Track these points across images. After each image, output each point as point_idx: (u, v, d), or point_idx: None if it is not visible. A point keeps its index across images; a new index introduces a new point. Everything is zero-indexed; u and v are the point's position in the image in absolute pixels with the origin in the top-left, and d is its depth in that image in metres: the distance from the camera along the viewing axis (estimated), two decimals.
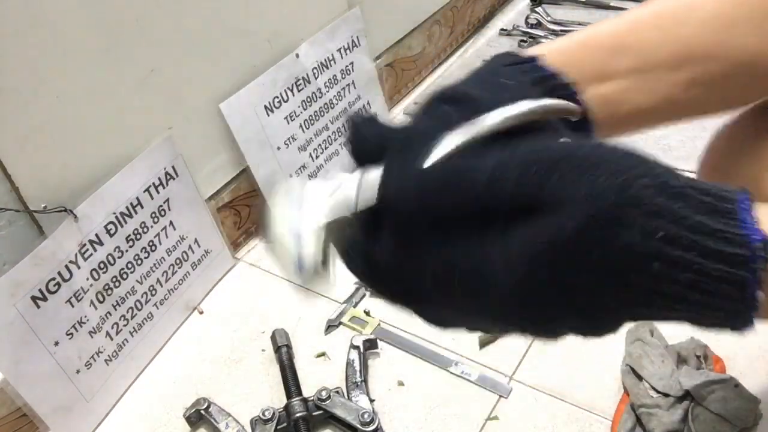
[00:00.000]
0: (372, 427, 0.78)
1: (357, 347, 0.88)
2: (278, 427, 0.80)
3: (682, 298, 0.29)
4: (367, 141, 0.39)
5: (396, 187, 0.33)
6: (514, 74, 0.41)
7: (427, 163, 0.32)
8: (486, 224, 0.31)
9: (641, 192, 0.29)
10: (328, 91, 1.16)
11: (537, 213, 0.30)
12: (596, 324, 0.34)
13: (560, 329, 0.35)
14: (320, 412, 0.81)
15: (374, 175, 0.34)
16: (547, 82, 0.41)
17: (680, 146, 1.18)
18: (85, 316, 0.84)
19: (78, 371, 0.83)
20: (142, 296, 0.92)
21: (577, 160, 0.30)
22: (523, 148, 0.31)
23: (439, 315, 0.36)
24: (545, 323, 0.34)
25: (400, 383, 0.87)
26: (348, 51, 1.19)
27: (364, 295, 0.99)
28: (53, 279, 0.78)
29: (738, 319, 0.30)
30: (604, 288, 0.30)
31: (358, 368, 0.86)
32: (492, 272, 0.31)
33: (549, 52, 0.43)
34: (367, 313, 0.96)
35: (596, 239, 0.29)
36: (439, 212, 0.31)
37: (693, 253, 0.28)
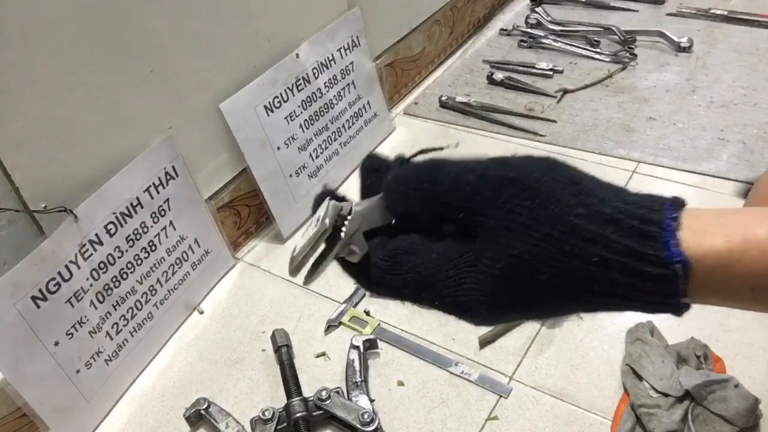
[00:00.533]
0: (372, 427, 0.78)
1: (357, 347, 0.88)
2: (278, 427, 0.80)
3: (621, 304, 0.35)
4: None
5: (395, 175, 0.40)
6: None
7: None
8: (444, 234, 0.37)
9: (576, 221, 0.33)
10: (328, 91, 1.16)
11: (486, 229, 0.35)
12: (552, 316, 0.40)
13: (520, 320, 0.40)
14: (320, 412, 0.81)
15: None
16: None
17: (680, 146, 1.18)
18: (85, 316, 0.84)
19: (78, 371, 0.83)
20: (142, 296, 0.92)
21: (522, 186, 0.35)
22: (485, 163, 0.36)
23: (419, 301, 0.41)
24: (508, 318, 0.39)
25: (400, 383, 0.87)
26: (348, 51, 1.19)
27: (364, 295, 0.99)
28: (53, 279, 0.78)
29: (673, 312, 0.35)
30: (553, 302, 0.36)
31: (358, 368, 0.86)
32: (463, 289, 0.37)
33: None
34: (367, 313, 0.96)
35: (540, 263, 0.34)
36: (418, 203, 0.38)
37: (625, 274, 0.33)
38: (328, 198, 0.40)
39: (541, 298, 0.36)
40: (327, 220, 0.38)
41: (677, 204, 0.35)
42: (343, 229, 0.38)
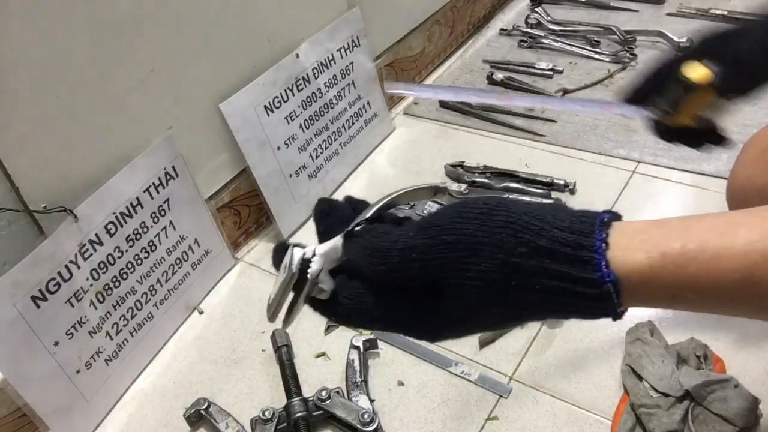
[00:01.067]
0: (372, 427, 0.78)
1: (357, 347, 0.88)
2: (278, 427, 0.80)
3: (566, 316, 0.39)
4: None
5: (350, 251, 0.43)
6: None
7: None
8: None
9: (517, 260, 0.37)
10: (328, 91, 1.16)
11: (441, 288, 0.39)
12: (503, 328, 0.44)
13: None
14: (320, 412, 0.81)
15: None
16: None
17: (680, 146, 1.18)
18: (85, 316, 0.84)
19: (78, 371, 0.83)
20: (142, 296, 0.92)
21: (463, 247, 0.38)
22: (421, 233, 0.40)
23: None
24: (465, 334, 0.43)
25: (400, 383, 0.87)
26: (348, 51, 1.19)
27: None
28: (53, 279, 0.78)
29: (612, 318, 0.38)
30: (508, 323, 0.41)
31: (358, 368, 0.86)
32: (424, 329, 0.42)
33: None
34: None
35: (491, 303, 0.39)
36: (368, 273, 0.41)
37: (565, 296, 0.37)
38: (291, 246, 0.43)
39: (493, 321, 0.40)
40: (293, 267, 0.42)
41: (607, 222, 0.38)
42: (309, 271, 0.41)
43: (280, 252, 0.45)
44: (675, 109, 0.57)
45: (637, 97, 0.59)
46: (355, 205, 0.47)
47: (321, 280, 0.42)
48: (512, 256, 0.38)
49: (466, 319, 0.40)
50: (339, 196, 1.19)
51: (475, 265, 0.38)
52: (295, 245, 0.44)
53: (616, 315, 0.38)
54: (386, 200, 0.45)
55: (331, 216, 0.47)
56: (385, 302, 0.41)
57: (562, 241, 0.37)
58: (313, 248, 0.43)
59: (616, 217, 0.39)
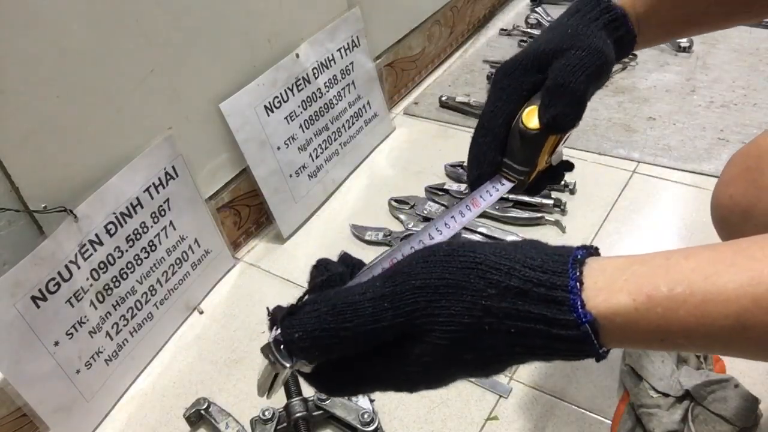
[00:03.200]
0: (372, 427, 0.78)
1: None
2: (278, 427, 0.80)
3: (546, 359, 0.38)
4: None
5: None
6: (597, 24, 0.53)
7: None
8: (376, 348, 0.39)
9: (487, 303, 0.36)
10: (328, 91, 1.16)
11: (413, 338, 0.38)
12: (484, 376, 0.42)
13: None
14: (320, 412, 0.81)
15: None
16: (612, 16, 0.53)
17: (680, 146, 1.18)
18: (85, 316, 0.84)
19: (78, 371, 0.83)
20: (142, 296, 0.92)
21: (432, 291, 0.37)
22: (390, 281, 0.38)
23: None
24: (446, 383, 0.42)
25: None
26: (348, 51, 1.19)
27: None
28: (53, 279, 0.78)
29: (594, 359, 0.37)
30: (486, 369, 0.39)
31: None
32: (400, 381, 0.41)
33: None
34: None
35: (464, 348, 0.37)
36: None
37: (542, 338, 0.36)
38: (271, 334, 0.41)
39: (469, 368, 0.39)
40: (276, 365, 0.40)
41: (581, 259, 0.37)
42: (284, 375, 0.41)
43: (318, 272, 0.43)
44: (532, 166, 0.52)
45: (489, 172, 0.53)
46: (351, 265, 0.44)
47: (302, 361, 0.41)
48: (481, 298, 0.36)
49: (440, 368, 0.39)
50: (339, 195, 1.20)
51: (446, 309, 0.37)
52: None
53: (599, 356, 0.36)
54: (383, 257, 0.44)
55: (324, 282, 0.43)
56: (359, 370, 0.40)
57: (534, 281, 0.36)
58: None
59: (593, 251, 0.38)
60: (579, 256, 0.37)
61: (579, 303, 0.35)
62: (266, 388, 0.42)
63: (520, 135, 0.51)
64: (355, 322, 0.38)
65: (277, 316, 0.40)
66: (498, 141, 0.52)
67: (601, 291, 0.35)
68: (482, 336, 0.37)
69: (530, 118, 0.51)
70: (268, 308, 0.42)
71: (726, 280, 0.34)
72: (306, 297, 0.40)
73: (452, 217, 0.48)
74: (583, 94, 0.50)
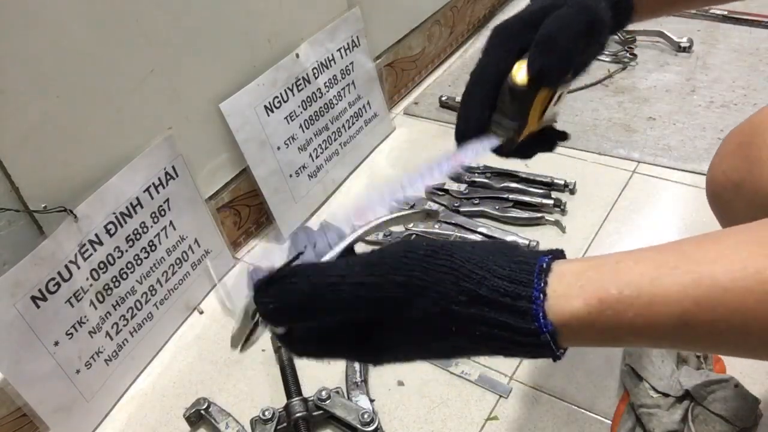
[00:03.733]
0: (372, 427, 0.78)
1: None
2: (278, 427, 0.80)
3: (510, 356, 0.40)
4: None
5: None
6: None
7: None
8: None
9: (458, 309, 0.38)
10: (328, 91, 1.16)
11: (382, 322, 0.40)
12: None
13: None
14: (320, 412, 0.81)
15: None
16: None
17: (680, 146, 1.18)
18: (85, 316, 0.84)
19: (78, 371, 0.83)
20: (142, 296, 0.92)
21: (409, 289, 0.39)
22: (368, 270, 0.40)
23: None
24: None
25: (400, 383, 0.87)
26: (348, 51, 1.19)
27: None
28: (53, 279, 0.78)
29: (553, 359, 0.39)
30: (449, 356, 0.43)
31: (358, 368, 0.86)
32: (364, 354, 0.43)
33: None
34: None
35: (429, 343, 0.40)
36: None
37: (504, 343, 0.38)
38: (251, 294, 0.42)
39: (433, 353, 0.42)
40: (249, 316, 0.42)
41: (546, 267, 0.38)
42: (257, 332, 0.42)
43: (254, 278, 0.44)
44: (522, 122, 0.52)
45: (476, 127, 0.53)
46: (330, 232, 0.45)
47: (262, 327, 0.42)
48: (453, 303, 0.38)
49: (404, 353, 0.42)
50: (339, 195, 1.20)
51: (420, 306, 0.39)
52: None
53: (556, 357, 0.39)
54: (364, 230, 0.45)
55: (305, 249, 0.45)
56: (328, 339, 0.42)
57: (501, 291, 0.38)
58: None
59: (558, 254, 0.40)
60: (544, 265, 0.39)
61: (541, 314, 0.37)
62: (240, 341, 0.43)
63: (509, 90, 0.51)
64: (330, 305, 0.39)
65: (255, 282, 0.41)
66: (487, 97, 0.52)
67: (560, 298, 0.38)
68: (449, 335, 0.39)
69: (519, 72, 0.50)
70: (248, 266, 0.43)
71: (670, 283, 0.36)
72: (285, 266, 0.41)
73: (431, 169, 0.49)
74: (569, 46, 0.50)
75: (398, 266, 0.39)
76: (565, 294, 0.38)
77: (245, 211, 1.11)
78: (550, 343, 0.37)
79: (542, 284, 0.38)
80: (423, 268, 0.39)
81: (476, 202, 1.11)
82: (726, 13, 1.52)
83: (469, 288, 0.38)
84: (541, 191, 1.10)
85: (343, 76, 1.19)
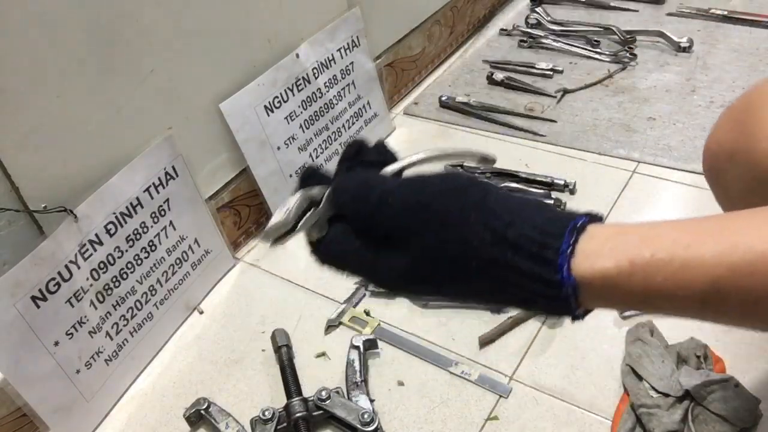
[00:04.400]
0: (372, 427, 0.78)
1: (357, 347, 0.88)
2: (278, 427, 0.80)
3: (525, 309, 0.42)
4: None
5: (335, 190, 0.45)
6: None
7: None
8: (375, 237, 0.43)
9: (480, 246, 0.38)
10: (328, 91, 1.16)
11: (402, 247, 0.41)
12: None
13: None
14: (320, 412, 0.81)
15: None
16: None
17: (680, 146, 1.18)
18: (85, 316, 0.84)
19: (78, 371, 0.83)
20: (142, 296, 0.92)
21: (433, 212, 0.40)
22: (405, 186, 0.42)
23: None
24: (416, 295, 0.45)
25: (400, 383, 0.87)
26: (348, 51, 1.19)
27: (364, 295, 0.99)
28: (53, 279, 0.78)
29: (571, 319, 0.40)
30: (461, 298, 0.43)
31: (358, 368, 0.86)
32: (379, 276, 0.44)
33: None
34: (367, 313, 0.96)
35: (446, 279, 0.40)
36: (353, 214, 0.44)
37: (521, 292, 0.38)
38: (301, 191, 0.45)
39: (443, 291, 0.42)
40: (290, 216, 0.44)
41: (580, 227, 0.38)
42: (305, 218, 0.44)
43: (306, 178, 0.47)
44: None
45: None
46: (384, 156, 0.48)
47: (318, 223, 0.45)
48: (475, 238, 0.38)
49: (422, 281, 0.42)
50: None
51: (440, 234, 0.39)
52: (316, 176, 0.46)
53: (574, 317, 0.39)
54: (420, 158, 0.47)
55: (357, 158, 0.47)
56: (356, 247, 0.43)
57: (528, 238, 0.38)
58: (324, 192, 0.45)
59: (594, 218, 0.39)
60: (580, 224, 0.38)
61: (566, 266, 0.37)
62: (275, 235, 0.44)
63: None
64: (361, 203, 0.42)
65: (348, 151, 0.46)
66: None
67: (589, 256, 0.37)
68: (465, 274, 0.40)
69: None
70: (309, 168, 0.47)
71: (705, 250, 0.36)
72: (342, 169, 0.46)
73: None
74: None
75: (430, 190, 0.40)
76: (595, 253, 0.37)
77: (245, 211, 1.11)
78: (570, 298, 0.37)
79: (572, 240, 0.37)
80: (454, 198, 0.40)
81: None
82: (726, 13, 1.52)
83: (495, 226, 0.38)
84: (541, 191, 1.10)
85: (343, 76, 1.19)
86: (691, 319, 0.39)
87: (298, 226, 0.44)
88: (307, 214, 0.44)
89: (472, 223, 0.39)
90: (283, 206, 0.44)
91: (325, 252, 0.45)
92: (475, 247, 0.38)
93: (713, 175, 0.67)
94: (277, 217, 0.44)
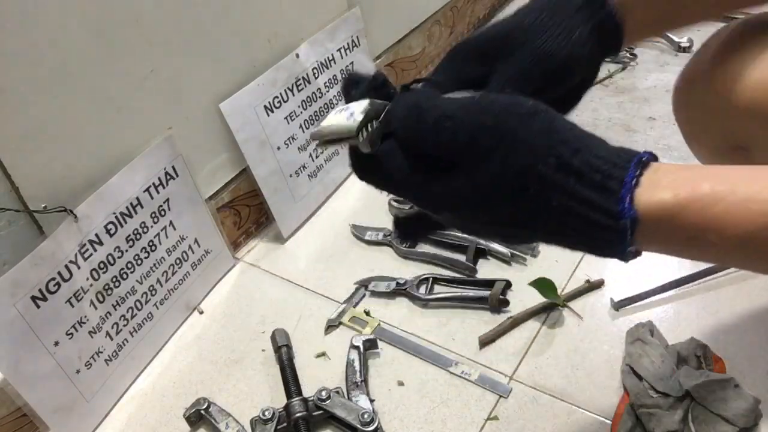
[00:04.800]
0: (372, 427, 0.78)
1: (357, 347, 0.88)
2: (278, 427, 0.80)
3: (573, 245, 0.40)
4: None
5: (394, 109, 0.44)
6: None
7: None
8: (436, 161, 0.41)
9: (543, 170, 0.37)
10: (328, 91, 1.16)
11: (461, 166, 0.40)
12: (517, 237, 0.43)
13: (492, 233, 0.43)
14: (320, 412, 0.81)
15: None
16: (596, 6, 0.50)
17: (680, 146, 1.18)
18: (85, 316, 0.84)
19: (78, 371, 0.83)
20: (142, 296, 0.92)
21: (497, 134, 0.38)
22: (468, 106, 0.40)
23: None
24: (483, 227, 0.43)
25: (400, 383, 0.87)
26: (348, 51, 1.19)
27: (364, 295, 0.99)
28: (53, 279, 0.78)
29: (619, 258, 0.39)
30: (512, 229, 0.41)
31: (358, 368, 0.86)
32: (432, 194, 0.42)
33: None
34: (367, 313, 0.96)
35: (504, 201, 0.39)
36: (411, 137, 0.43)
37: (578, 221, 0.37)
38: (369, 100, 0.44)
39: (497, 218, 0.40)
40: (357, 122, 0.43)
41: (645, 161, 0.38)
42: (366, 133, 0.43)
43: (353, 82, 0.46)
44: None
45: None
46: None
47: (371, 138, 0.44)
48: (540, 163, 0.37)
49: (471, 206, 0.41)
50: (339, 195, 1.20)
51: (505, 158, 0.38)
52: (376, 84, 0.46)
53: (625, 255, 0.37)
54: None
55: (359, 85, 0.47)
56: (407, 167, 0.42)
57: (593, 166, 0.37)
58: (386, 106, 0.44)
59: (653, 157, 0.39)
60: (644, 159, 0.38)
61: (628, 197, 0.36)
62: (328, 136, 0.44)
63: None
64: (421, 122, 0.41)
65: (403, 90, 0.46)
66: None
67: (649, 188, 0.37)
68: (523, 197, 0.38)
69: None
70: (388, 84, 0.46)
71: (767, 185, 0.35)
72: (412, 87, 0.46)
73: None
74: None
75: (493, 112, 0.39)
76: (655, 185, 0.37)
77: (245, 211, 1.11)
78: (627, 232, 0.36)
79: (637, 172, 0.37)
80: (519, 122, 0.39)
81: None
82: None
83: (561, 152, 0.38)
84: None
85: (344, 76, 1.19)
86: (734, 265, 0.38)
87: (362, 137, 0.43)
88: (373, 126, 0.43)
89: (538, 147, 0.38)
90: (346, 109, 0.43)
91: (371, 168, 0.44)
92: (538, 172, 0.37)
93: (679, 98, 0.70)
94: (338, 119, 0.43)
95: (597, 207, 0.37)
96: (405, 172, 0.43)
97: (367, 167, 0.45)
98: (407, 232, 0.53)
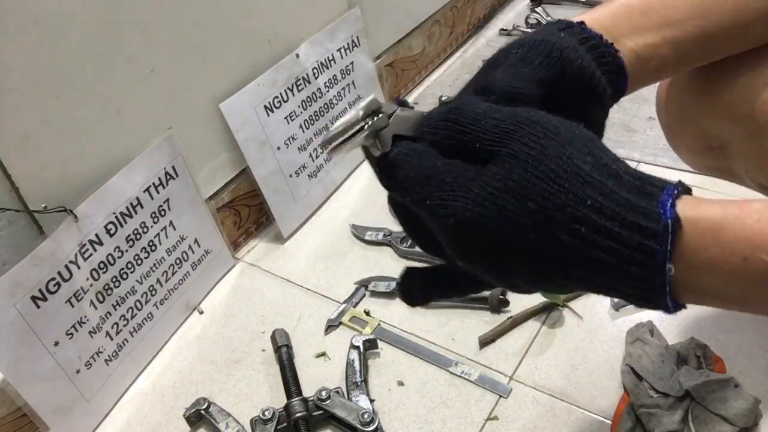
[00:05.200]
0: (372, 427, 0.78)
1: (357, 347, 0.88)
2: (278, 427, 0.80)
3: (603, 261, 0.34)
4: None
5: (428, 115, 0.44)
6: (567, 36, 0.50)
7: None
8: (466, 160, 0.39)
9: (581, 166, 0.35)
10: (328, 91, 1.16)
11: (497, 155, 0.37)
12: (540, 275, 0.38)
13: (511, 275, 0.39)
14: (320, 412, 0.81)
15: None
16: (591, 41, 0.50)
17: None
18: (85, 316, 0.84)
19: (78, 371, 0.83)
20: (142, 296, 0.92)
21: (541, 127, 0.37)
22: (514, 109, 0.39)
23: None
24: (494, 262, 0.39)
25: (400, 383, 0.87)
26: (348, 51, 1.19)
27: (364, 295, 0.99)
28: (53, 279, 0.78)
29: (656, 293, 0.34)
30: (533, 241, 0.36)
31: (358, 368, 0.86)
32: (454, 195, 0.38)
33: (590, 18, 0.52)
34: (367, 313, 0.96)
35: (535, 193, 0.35)
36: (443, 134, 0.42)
37: (614, 223, 0.33)
38: (373, 96, 0.44)
39: (523, 224, 0.36)
40: (360, 110, 0.43)
41: (683, 186, 0.36)
42: (371, 123, 0.43)
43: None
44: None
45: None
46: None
47: (382, 137, 0.43)
48: (577, 160, 0.36)
49: (506, 194, 0.37)
50: (339, 195, 1.20)
51: (541, 148, 0.36)
52: (400, 102, 0.46)
53: (662, 273, 0.32)
54: None
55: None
56: (441, 163, 0.40)
57: (633, 174, 0.36)
58: (397, 108, 0.44)
59: (689, 190, 0.36)
60: (681, 188, 0.35)
61: (669, 201, 0.33)
62: (336, 141, 0.43)
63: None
64: (462, 114, 0.40)
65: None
66: None
67: (692, 202, 0.34)
68: (557, 192, 0.35)
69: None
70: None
71: None
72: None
73: None
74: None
75: (542, 116, 0.38)
76: (700, 201, 0.34)
77: (245, 211, 1.11)
78: (668, 234, 0.32)
79: (675, 190, 0.34)
80: (566, 126, 0.38)
81: None
82: None
83: (601, 156, 0.36)
84: None
85: (343, 76, 1.19)
86: None
87: (367, 128, 0.42)
88: (377, 117, 0.43)
89: (577, 147, 0.36)
90: (350, 111, 0.44)
91: (397, 166, 0.41)
92: (575, 167, 0.35)
93: (662, 92, 0.68)
94: (343, 119, 0.43)
95: (635, 207, 0.34)
96: (440, 168, 0.40)
97: (393, 167, 0.42)
98: (414, 292, 0.49)
